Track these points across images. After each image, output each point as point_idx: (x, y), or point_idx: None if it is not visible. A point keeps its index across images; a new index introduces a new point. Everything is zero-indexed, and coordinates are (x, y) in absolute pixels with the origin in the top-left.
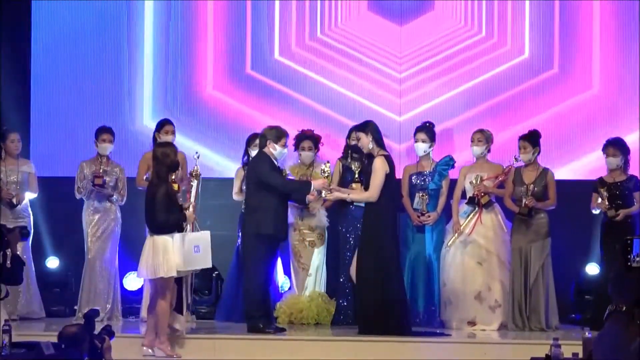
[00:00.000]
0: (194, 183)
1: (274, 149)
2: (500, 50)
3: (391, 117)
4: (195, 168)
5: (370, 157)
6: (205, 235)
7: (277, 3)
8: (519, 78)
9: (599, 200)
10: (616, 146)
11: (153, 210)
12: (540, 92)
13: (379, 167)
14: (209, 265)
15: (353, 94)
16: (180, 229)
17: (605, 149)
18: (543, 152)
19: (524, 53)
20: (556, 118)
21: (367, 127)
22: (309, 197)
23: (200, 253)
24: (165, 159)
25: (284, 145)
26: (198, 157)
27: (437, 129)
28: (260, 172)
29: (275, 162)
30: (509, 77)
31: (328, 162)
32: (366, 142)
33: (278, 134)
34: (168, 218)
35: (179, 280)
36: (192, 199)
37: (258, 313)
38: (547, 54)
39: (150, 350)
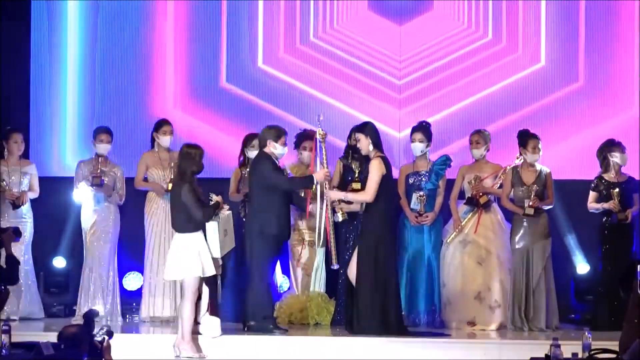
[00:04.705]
0: (322, 145)
1: (275, 148)
2: (510, 57)
3: (390, 133)
4: (319, 129)
5: (368, 159)
6: (228, 217)
7: (260, 3)
8: (534, 90)
9: (610, 200)
10: (622, 145)
11: (182, 210)
12: (561, 108)
13: (376, 169)
14: (234, 244)
15: (350, 108)
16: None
17: (615, 147)
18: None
19: (539, 61)
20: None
21: (366, 128)
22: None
23: (228, 235)
24: (190, 159)
25: (284, 144)
26: (321, 119)
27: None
28: (263, 173)
29: (277, 162)
30: (521, 88)
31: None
32: (365, 143)
33: (278, 132)
34: (204, 213)
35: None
36: (324, 163)
37: (267, 313)
38: (569, 62)
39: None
